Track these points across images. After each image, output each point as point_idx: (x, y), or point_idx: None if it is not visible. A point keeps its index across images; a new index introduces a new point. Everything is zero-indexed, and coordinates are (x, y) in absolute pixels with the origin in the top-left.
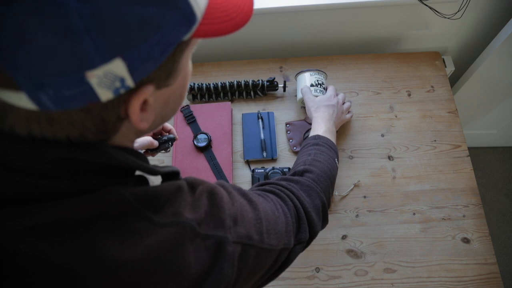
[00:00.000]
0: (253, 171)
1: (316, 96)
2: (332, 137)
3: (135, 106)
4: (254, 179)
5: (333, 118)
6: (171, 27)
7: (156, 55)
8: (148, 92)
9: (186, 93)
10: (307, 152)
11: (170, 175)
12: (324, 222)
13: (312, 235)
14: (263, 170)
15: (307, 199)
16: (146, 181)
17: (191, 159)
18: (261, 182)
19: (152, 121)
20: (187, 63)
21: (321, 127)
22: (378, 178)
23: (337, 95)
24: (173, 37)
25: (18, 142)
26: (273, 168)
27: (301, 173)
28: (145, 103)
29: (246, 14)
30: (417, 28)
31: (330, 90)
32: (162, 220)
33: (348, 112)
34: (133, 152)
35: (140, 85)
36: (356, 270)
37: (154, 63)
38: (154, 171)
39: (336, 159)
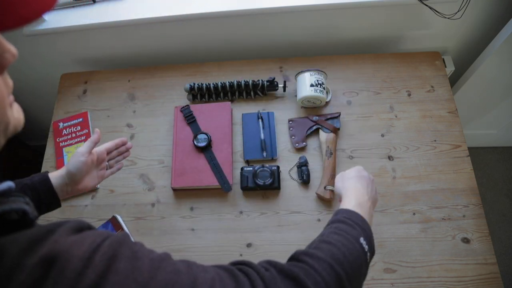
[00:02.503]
0: (242, 169)
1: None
2: (364, 213)
3: None
4: (242, 177)
5: (368, 191)
6: None
7: None
8: None
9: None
10: (322, 232)
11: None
12: None
13: None
14: (251, 168)
15: None
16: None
17: (191, 159)
18: (238, 261)
19: None
20: None
21: (349, 201)
22: (378, 178)
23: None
24: None
25: None
26: (263, 166)
27: (297, 258)
28: None
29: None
30: (417, 28)
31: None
32: None
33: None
34: None
35: None
36: None
37: None
38: None
39: (362, 239)
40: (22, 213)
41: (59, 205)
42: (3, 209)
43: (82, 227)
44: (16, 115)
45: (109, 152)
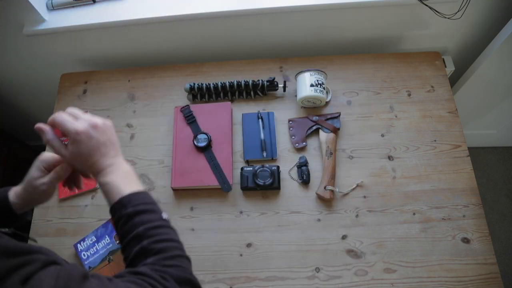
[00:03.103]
0: (242, 169)
1: None
2: (134, 183)
3: None
4: (242, 177)
5: (110, 155)
6: None
7: None
8: None
9: None
10: (137, 231)
11: None
12: None
13: None
14: (251, 168)
15: None
16: None
17: (191, 159)
18: (132, 271)
19: None
20: None
21: (116, 184)
22: (378, 178)
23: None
24: None
25: None
26: (262, 166)
27: (158, 263)
28: None
29: None
30: (417, 28)
31: (71, 133)
32: None
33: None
34: None
35: None
36: (356, 270)
37: None
38: None
39: (164, 214)
40: None
41: (26, 220)
42: None
43: (30, 274)
44: None
45: None
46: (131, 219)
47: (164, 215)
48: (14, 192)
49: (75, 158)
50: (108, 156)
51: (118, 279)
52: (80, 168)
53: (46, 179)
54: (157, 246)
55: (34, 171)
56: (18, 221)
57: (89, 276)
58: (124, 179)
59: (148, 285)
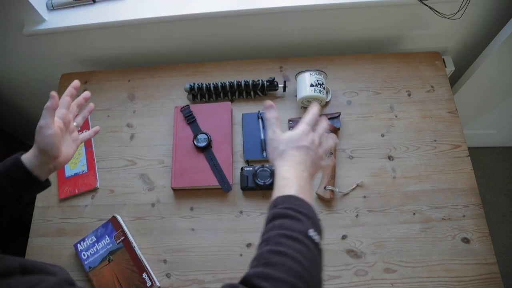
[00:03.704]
0: (242, 169)
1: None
2: (307, 196)
3: None
4: (242, 177)
5: (307, 165)
6: None
7: None
8: None
9: None
10: (267, 235)
11: None
12: None
13: None
14: (251, 168)
15: None
16: None
17: (191, 159)
18: None
19: None
20: None
21: (290, 183)
22: (378, 178)
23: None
24: None
25: None
26: (262, 166)
27: (252, 284)
28: None
29: None
30: (417, 28)
31: (303, 124)
32: None
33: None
34: None
35: None
36: (356, 270)
37: None
38: None
39: (311, 231)
40: None
41: (46, 185)
42: None
43: None
44: None
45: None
46: (274, 219)
47: (312, 233)
48: (25, 155)
49: (286, 139)
50: (301, 179)
51: None
52: (274, 146)
53: (44, 119)
54: (272, 259)
55: (41, 120)
56: (42, 186)
57: None
58: (297, 190)
59: None
